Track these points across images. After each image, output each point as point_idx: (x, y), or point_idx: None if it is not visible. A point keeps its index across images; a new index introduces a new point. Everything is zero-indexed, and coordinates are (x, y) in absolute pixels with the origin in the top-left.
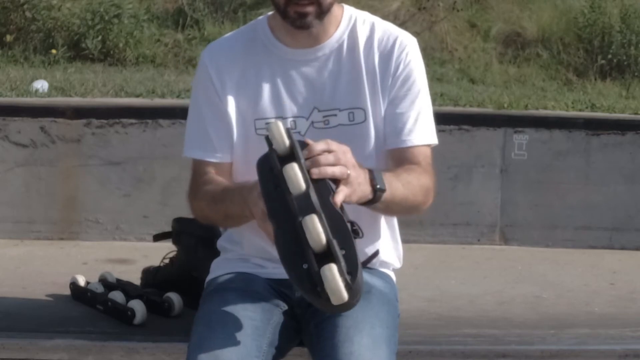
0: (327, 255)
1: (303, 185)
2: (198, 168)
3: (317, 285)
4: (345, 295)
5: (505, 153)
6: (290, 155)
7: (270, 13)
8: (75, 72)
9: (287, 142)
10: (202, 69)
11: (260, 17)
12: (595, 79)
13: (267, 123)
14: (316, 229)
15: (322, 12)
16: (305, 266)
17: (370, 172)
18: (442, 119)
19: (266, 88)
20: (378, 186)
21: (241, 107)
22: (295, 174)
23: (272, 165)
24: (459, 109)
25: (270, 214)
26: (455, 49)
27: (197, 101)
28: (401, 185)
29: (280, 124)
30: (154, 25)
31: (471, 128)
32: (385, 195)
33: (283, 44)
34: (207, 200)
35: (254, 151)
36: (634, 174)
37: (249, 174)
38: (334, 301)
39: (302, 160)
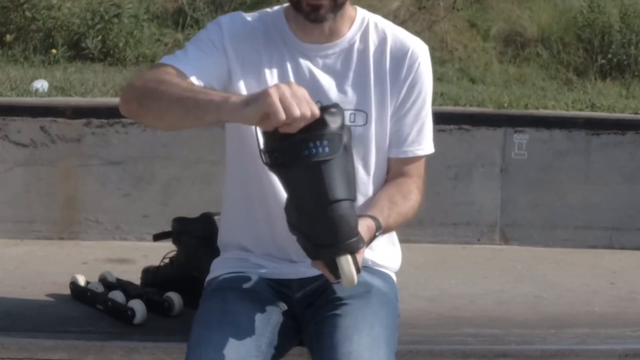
0: None
1: None
2: (160, 65)
3: None
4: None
5: (505, 153)
6: None
7: (286, 4)
8: (75, 71)
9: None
10: (216, 28)
11: (277, 7)
12: (595, 79)
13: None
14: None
15: (337, 6)
16: None
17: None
18: (442, 119)
19: (275, 72)
20: (377, 233)
21: (249, 82)
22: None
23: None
24: (459, 109)
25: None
26: (455, 49)
27: (199, 38)
28: (393, 216)
29: None
30: (154, 25)
31: (471, 128)
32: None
33: (296, 37)
34: (158, 87)
35: (250, 129)
36: (634, 174)
37: (242, 149)
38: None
39: None
